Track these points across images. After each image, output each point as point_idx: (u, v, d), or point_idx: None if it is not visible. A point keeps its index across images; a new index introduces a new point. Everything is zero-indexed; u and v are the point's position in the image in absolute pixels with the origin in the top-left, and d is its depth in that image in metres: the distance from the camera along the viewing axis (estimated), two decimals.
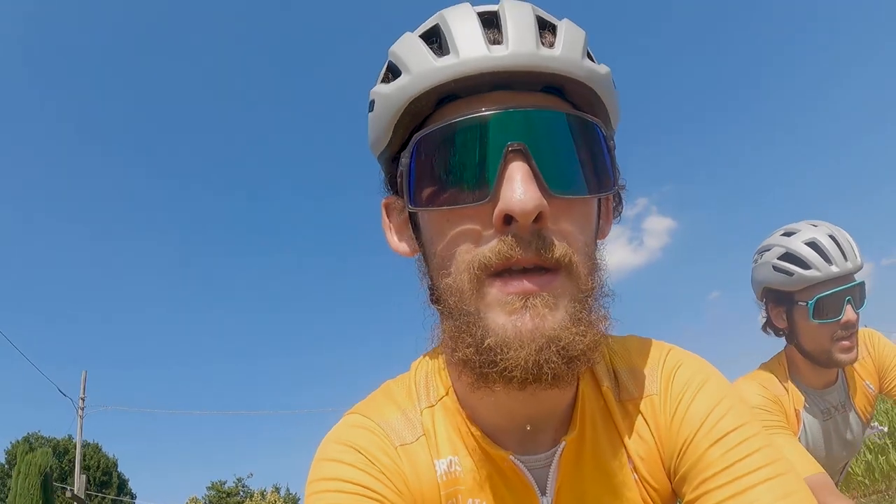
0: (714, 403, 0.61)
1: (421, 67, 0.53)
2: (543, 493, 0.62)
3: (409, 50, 0.55)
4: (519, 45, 0.52)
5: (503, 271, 0.52)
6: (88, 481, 31.64)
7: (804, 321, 1.54)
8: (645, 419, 0.64)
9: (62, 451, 33.18)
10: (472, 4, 0.58)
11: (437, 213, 0.55)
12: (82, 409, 15.43)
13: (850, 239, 1.52)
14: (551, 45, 0.54)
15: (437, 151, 0.54)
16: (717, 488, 0.55)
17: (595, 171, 0.55)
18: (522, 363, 0.50)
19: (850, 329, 1.51)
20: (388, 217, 0.65)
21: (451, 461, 0.61)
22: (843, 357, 1.52)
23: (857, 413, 1.66)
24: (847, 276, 1.49)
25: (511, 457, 0.60)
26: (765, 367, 1.66)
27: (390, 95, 0.56)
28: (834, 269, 1.47)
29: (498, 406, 0.60)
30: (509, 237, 0.51)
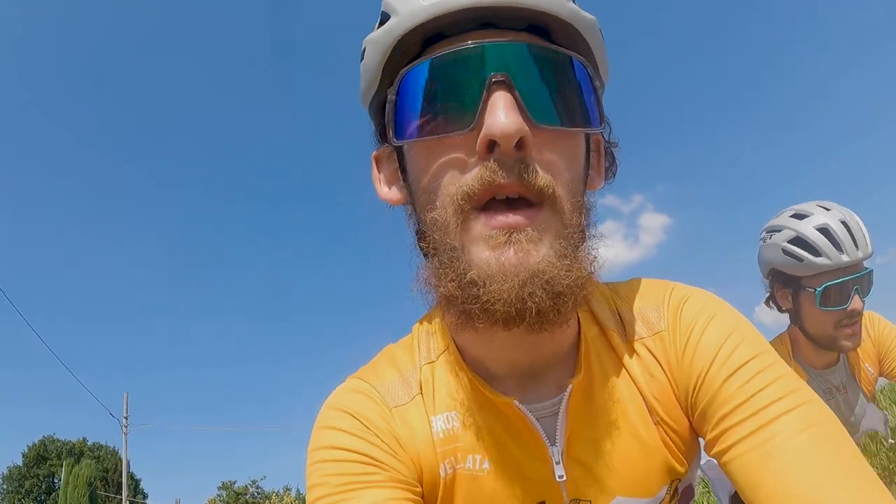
0: (726, 335, 0.59)
1: (407, 7, 0.54)
2: (553, 442, 0.59)
3: None
4: None
5: (487, 204, 0.53)
6: (107, 483, 32.31)
7: (810, 306, 1.54)
8: (655, 357, 0.62)
9: (78, 453, 33.87)
10: None
11: (422, 145, 0.56)
12: (126, 427, 16.19)
13: (862, 225, 1.49)
14: None
15: (423, 85, 0.55)
16: (739, 424, 0.54)
17: (579, 107, 0.56)
18: (505, 296, 0.50)
19: (856, 317, 1.51)
20: (377, 170, 0.65)
21: (447, 417, 0.59)
22: (846, 344, 1.54)
23: (863, 393, 1.67)
24: (856, 265, 1.48)
25: (516, 402, 0.59)
26: None
27: (379, 38, 0.57)
28: (844, 258, 1.45)
29: (498, 354, 0.60)
30: (492, 162, 0.51)
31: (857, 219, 1.49)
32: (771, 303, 1.69)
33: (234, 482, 34.44)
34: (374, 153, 0.65)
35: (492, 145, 0.51)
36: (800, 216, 1.54)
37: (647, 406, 0.61)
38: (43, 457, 33.83)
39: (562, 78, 0.55)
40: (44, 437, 34.75)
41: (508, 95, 0.51)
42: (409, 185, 0.61)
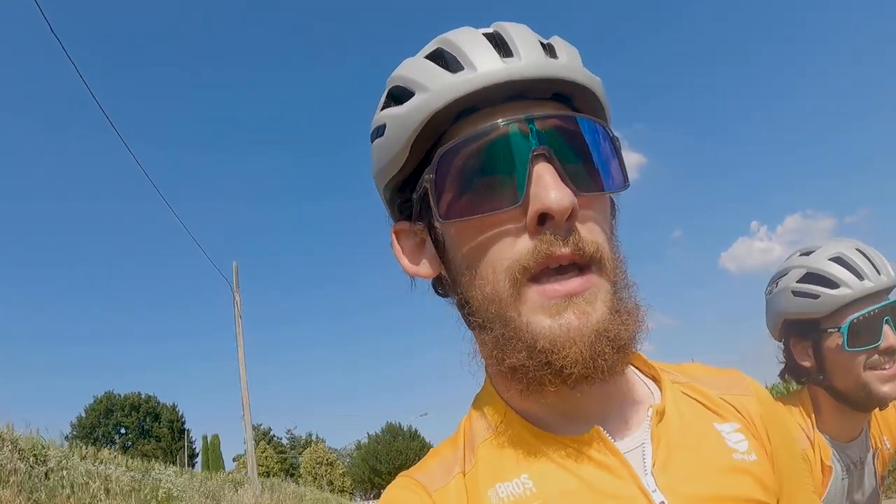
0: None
1: (439, 83, 0.55)
2: (646, 472, 0.56)
3: (421, 70, 0.58)
4: (531, 56, 0.55)
5: (539, 274, 0.54)
6: (173, 433, 39.84)
7: (836, 352, 1.26)
8: (734, 406, 0.64)
9: (132, 405, 40.06)
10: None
11: (467, 224, 0.56)
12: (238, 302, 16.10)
13: (879, 253, 1.28)
14: (554, 55, 0.57)
15: (464, 163, 0.55)
16: None
17: (609, 170, 0.58)
18: (580, 359, 0.51)
19: (892, 355, 1.23)
20: (399, 243, 0.65)
21: (516, 483, 0.57)
22: (885, 389, 1.23)
23: (874, 470, 1.41)
24: (882, 293, 1.23)
25: (601, 429, 0.57)
26: (786, 412, 1.34)
27: (407, 115, 0.57)
28: (867, 283, 1.22)
29: (563, 409, 0.59)
30: (548, 234, 0.53)
31: (873, 249, 1.28)
32: (788, 374, 1.40)
33: (267, 427, 43.23)
34: (395, 227, 0.65)
35: (543, 218, 0.53)
36: (808, 252, 1.32)
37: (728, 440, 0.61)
38: (109, 409, 39.49)
39: (592, 145, 0.57)
40: (105, 392, 40.13)
41: (552, 168, 0.53)
42: (448, 261, 0.61)
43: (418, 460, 0.65)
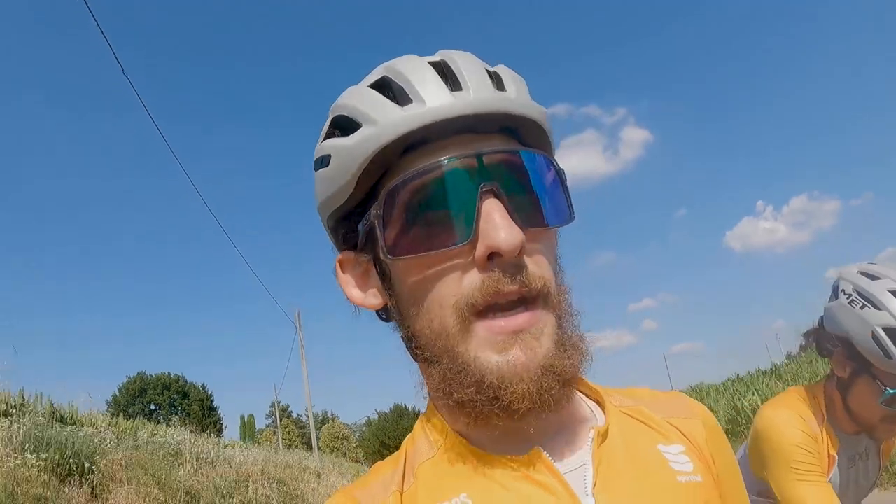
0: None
1: (388, 117, 0.54)
2: (586, 492, 0.56)
3: (367, 101, 0.56)
4: (481, 90, 0.55)
5: (486, 310, 0.53)
6: (203, 410, 43.25)
7: (869, 396, 1.32)
8: (678, 429, 0.65)
9: (164, 385, 43.46)
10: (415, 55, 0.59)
11: (414, 261, 0.56)
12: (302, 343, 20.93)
13: None
14: (502, 87, 0.56)
15: (411, 199, 0.54)
16: None
17: (556, 204, 0.58)
18: (527, 394, 0.52)
19: None
20: (343, 272, 0.64)
21: (456, 502, 0.56)
22: (881, 437, 1.41)
23: (878, 459, 1.53)
24: None
25: (541, 449, 0.57)
26: (801, 398, 1.45)
27: (354, 147, 0.55)
28: None
29: (502, 430, 0.57)
30: (496, 272, 0.52)
31: None
32: (815, 344, 1.47)
33: (286, 404, 46.76)
34: (340, 257, 0.64)
35: (492, 255, 0.52)
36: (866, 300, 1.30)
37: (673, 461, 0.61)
38: (143, 388, 42.91)
39: (539, 179, 0.57)
40: (138, 372, 43.52)
41: (500, 204, 0.53)
42: (394, 294, 0.60)
43: None
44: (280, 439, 18.85)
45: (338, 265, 0.64)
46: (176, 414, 42.80)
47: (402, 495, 0.59)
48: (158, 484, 8.18)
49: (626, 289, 72.54)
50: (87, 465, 7.42)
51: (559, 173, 0.59)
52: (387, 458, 0.66)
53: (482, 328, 0.53)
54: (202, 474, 9.65)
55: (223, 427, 43.53)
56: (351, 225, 0.61)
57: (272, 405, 46.39)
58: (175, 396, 43.55)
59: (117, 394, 42.39)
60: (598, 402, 0.66)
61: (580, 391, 0.66)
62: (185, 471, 9.30)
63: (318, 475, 14.45)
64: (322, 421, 47.64)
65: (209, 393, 44.99)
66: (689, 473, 0.60)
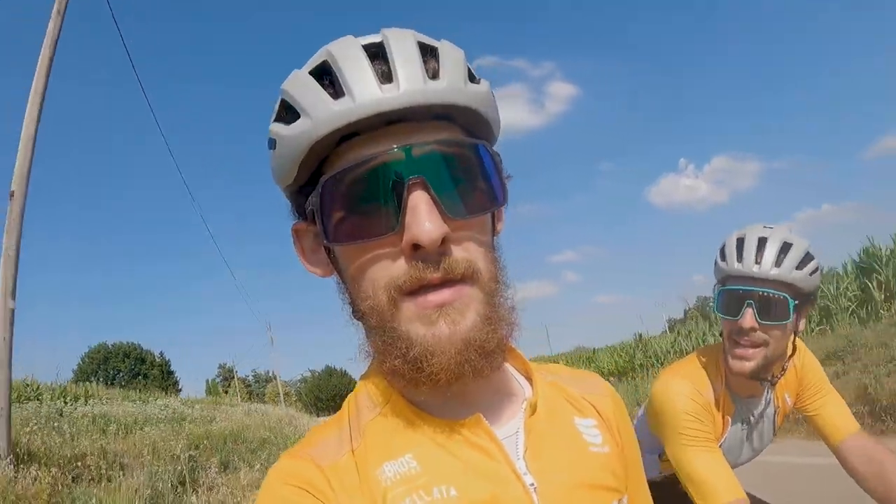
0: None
1: (320, 112, 0.56)
2: (518, 457, 0.61)
3: (305, 91, 0.58)
4: (408, 83, 0.55)
5: (416, 290, 0.56)
6: (162, 374, 50.49)
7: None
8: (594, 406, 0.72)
9: (124, 353, 50.03)
10: (356, 35, 0.60)
11: (350, 247, 0.60)
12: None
13: (797, 252, 1.38)
14: (435, 75, 0.57)
15: (345, 191, 0.57)
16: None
17: (487, 190, 0.60)
18: (446, 366, 0.55)
19: (745, 336, 1.40)
20: (299, 241, 0.67)
21: (402, 461, 0.60)
22: (732, 362, 1.43)
23: (773, 424, 1.63)
24: (754, 279, 1.39)
25: (482, 417, 0.61)
26: (701, 363, 1.54)
27: (293, 138, 0.58)
28: (736, 266, 1.41)
29: (443, 394, 0.60)
30: (419, 262, 0.56)
31: (799, 246, 1.38)
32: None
33: (231, 365, 54.32)
34: (294, 226, 0.67)
35: (416, 246, 0.55)
36: (741, 230, 1.49)
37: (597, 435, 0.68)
38: (106, 357, 49.15)
39: (470, 167, 0.59)
40: (99, 342, 49.59)
41: (426, 196, 0.55)
42: (339, 271, 0.65)
43: (349, 393, 0.68)
44: (281, 396, 25.79)
45: (293, 233, 0.68)
46: (136, 377, 49.54)
47: (353, 454, 0.62)
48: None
49: (548, 240, 73.07)
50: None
51: (493, 157, 0.61)
52: (328, 420, 0.69)
53: (411, 304, 0.57)
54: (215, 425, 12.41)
55: (180, 388, 50.71)
56: (303, 199, 0.64)
57: (219, 366, 54.13)
58: (134, 363, 50.09)
59: (81, 363, 48.61)
60: (526, 376, 0.71)
61: (513, 364, 0.72)
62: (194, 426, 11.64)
63: (292, 420, 19.28)
64: (266, 380, 55.89)
65: (167, 359, 51.91)
66: (598, 445, 0.67)
